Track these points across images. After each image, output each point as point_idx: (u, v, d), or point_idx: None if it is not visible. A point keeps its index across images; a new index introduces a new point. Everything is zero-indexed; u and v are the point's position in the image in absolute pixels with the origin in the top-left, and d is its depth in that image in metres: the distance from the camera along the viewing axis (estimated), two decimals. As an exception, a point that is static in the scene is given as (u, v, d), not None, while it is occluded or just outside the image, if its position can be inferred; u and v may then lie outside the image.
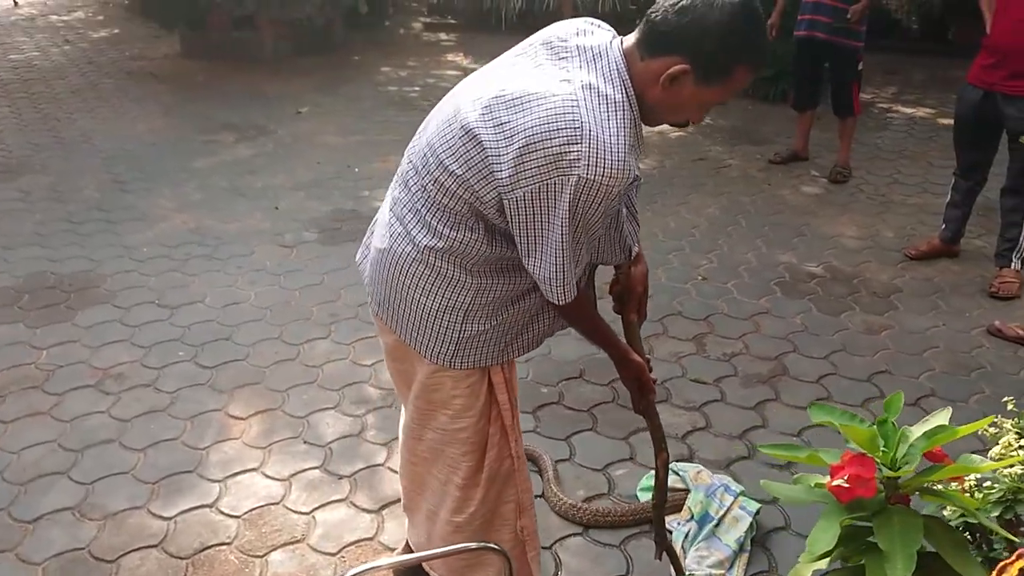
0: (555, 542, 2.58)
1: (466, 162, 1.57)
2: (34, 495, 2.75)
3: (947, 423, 1.23)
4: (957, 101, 4.30)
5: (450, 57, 9.46)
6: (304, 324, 3.82)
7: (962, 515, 1.22)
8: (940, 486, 1.16)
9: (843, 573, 1.25)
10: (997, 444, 1.41)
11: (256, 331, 3.75)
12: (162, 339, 3.67)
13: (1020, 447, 1.38)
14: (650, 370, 1.96)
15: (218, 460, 2.93)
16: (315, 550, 2.54)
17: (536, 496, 2.74)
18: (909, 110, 7.33)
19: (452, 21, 10.87)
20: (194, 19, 8.84)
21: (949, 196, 4.41)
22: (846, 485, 1.14)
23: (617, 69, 1.52)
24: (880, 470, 1.17)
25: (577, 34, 1.61)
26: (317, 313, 3.91)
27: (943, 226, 4.43)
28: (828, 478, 1.27)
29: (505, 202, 1.54)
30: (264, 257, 4.48)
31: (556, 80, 1.52)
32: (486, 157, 1.54)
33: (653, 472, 2.78)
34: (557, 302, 1.63)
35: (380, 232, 1.83)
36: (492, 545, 1.55)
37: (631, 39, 1.56)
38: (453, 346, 1.76)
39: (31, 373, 3.42)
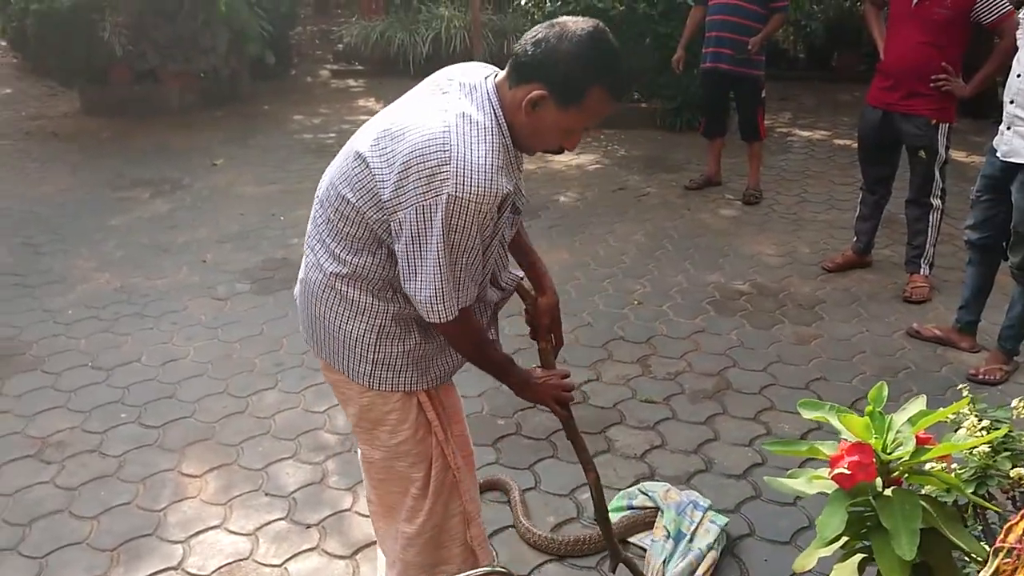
0: (532, 570, 2.60)
1: (358, 189, 1.70)
2: (-18, 575, 2.61)
3: (921, 408, 1.34)
4: (859, 121, 4.60)
5: (361, 102, 9.50)
6: (249, 376, 3.75)
7: (948, 492, 1.33)
8: (929, 466, 1.26)
9: (847, 557, 1.33)
10: (960, 428, 1.52)
11: (200, 386, 3.66)
12: (101, 402, 3.54)
13: (982, 428, 1.51)
14: (569, 386, 2.03)
15: (177, 521, 2.84)
16: (293, 602, 2.49)
17: (507, 527, 2.78)
18: (806, 133, 7.77)
19: (359, 67, 10.92)
20: (94, 74, 8.61)
21: (858, 210, 4.70)
22: (848, 472, 1.23)
23: (488, 99, 1.67)
24: (877, 456, 1.26)
25: (462, 73, 1.76)
26: (261, 364, 3.84)
27: (855, 239, 4.71)
28: (816, 472, 1.37)
29: (392, 224, 1.67)
30: (198, 311, 4.39)
31: (434, 111, 1.67)
32: (373, 182, 1.67)
33: (623, 491, 2.87)
34: (435, 320, 1.71)
35: (302, 265, 1.98)
36: (502, 569, 1.57)
37: (503, 73, 1.72)
38: (370, 367, 1.86)
39: (-38, 448, 3.24)
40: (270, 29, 9.11)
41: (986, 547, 1.26)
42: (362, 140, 1.75)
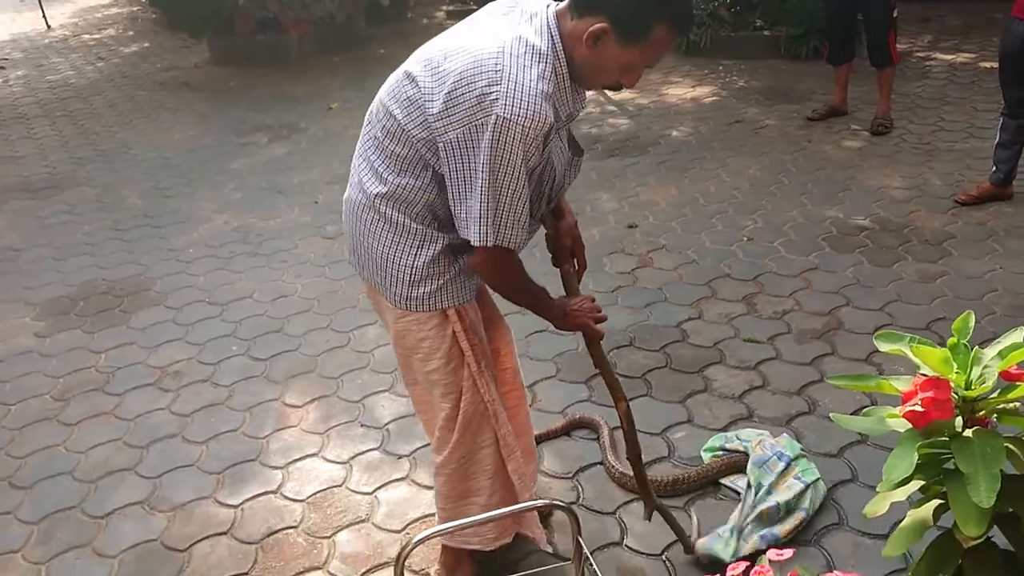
0: (618, 507, 2.57)
1: (406, 106, 1.67)
2: (104, 492, 2.81)
3: (1019, 340, 1.19)
4: (1003, 36, 4.16)
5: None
6: (352, 312, 3.84)
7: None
8: (1019, 405, 1.12)
9: (923, 502, 1.21)
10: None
11: (306, 322, 3.79)
12: (215, 336, 3.72)
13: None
14: (598, 317, 2.00)
15: (279, 448, 2.97)
16: (380, 528, 2.56)
17: (596, 463, 2.74)
18: (948, 56, 7.12)
19: (475, 7, 10.82)
20: (221, 26, 8.93)
21: (997, 137, 4.28)
22: (921, 409, 1.11)
23: (548, 26, 1.62)
24: (955, 392, 1.13)
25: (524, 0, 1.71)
26: (363, 301, 3.92)
27: (993, 168, 4.30)
28: (892, 410, 1.24)
29: (440, 147, 1.62)
30: (308, 250, 4.52)
31: (490, 33, 1.63)
32: (421, 98, 1.64)
33: (719, 434, 2.76)
34: (477, 242, 1.66)
35: (348, 184, 1.95)
36: (561, 503, 1.54)
37: (564, 3, 1.65)
38: (405, 289, 1.83)
39: (92, 376, 3.49)
40: (385, -29, 9.14)
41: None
42: (414, 61, 1.74)
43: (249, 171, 5.82)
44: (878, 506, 1.22)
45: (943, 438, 1.14)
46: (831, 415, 1.34)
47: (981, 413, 1.14)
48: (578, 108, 1.77)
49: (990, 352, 1.17)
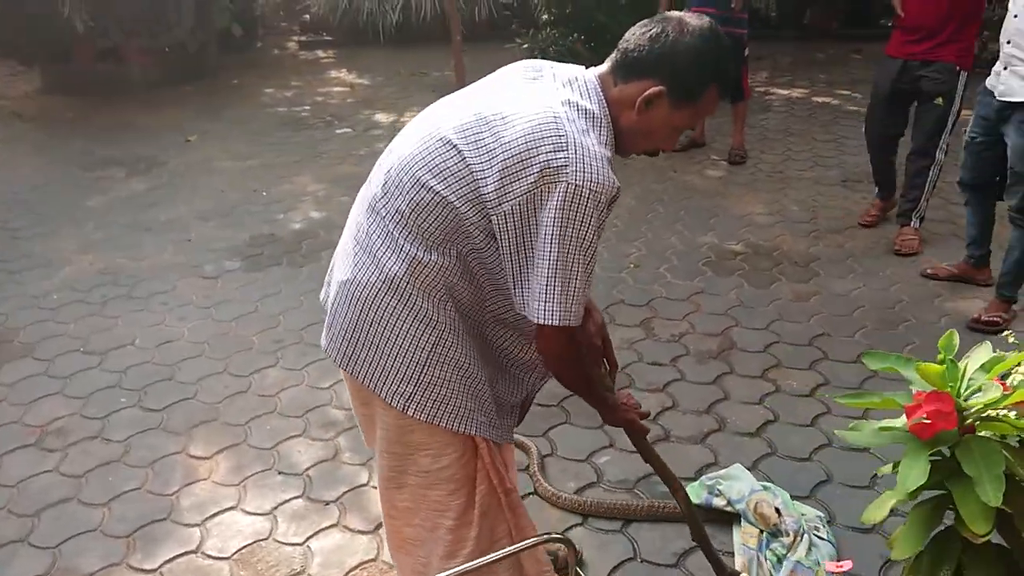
0: (565, 530, 2.59)
1: (448, 179, 1.53)
2: (-5, 568, 2.54)
3: (990, 355, 1.33)
4: (876, 71, 4.60)
5: (333, 74, 9.32)
6: (248, 354, 3.68)
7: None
8: (1002, 413, 1.25)
9: (929, 504, 1.32)
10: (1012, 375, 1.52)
11: (199, 367, 3.59)
12: (98, 387, 3.46)
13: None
14: (641, 413, 1.96)
15: (191, 504, 2.79)
16: (319, 579, 2.46)
17: (529, 493, 2.76)
18: (784, 91, 7.76)
19: (328, 38, 10.71)
20: (56, 53, 8.34)
21: (873, 169, 4.73)
22: (928, 421, 1.22)
23: (594, 89, 1.56)
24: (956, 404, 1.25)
25: (551, 67, 1.65)
26: (259, 342, 3.77)
27: (877, 189, 4.76)
28: (888, 421, 1.36)
29: (493, 220, 1.51)
30: (188, 291, 4.29)
31: (536, 99, 1.54)
32: (470, 173, 1.51)
33: (701, 482, 2.70)
34: (542, 319, 1.52)
35: (342, 264, 1.73)
36: (557, 535, 1.55)
37: (603, 68, 1.61)
38: (413, 387, 1.65)
39: (-42, 440, 3.15)
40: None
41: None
42: (447, 126, 1.57)
43: (108, 208, 5.46)
44: (878, 512, 1.33)
45: (946, 447, 1.25)
46: (836, 431, 1.44)
47: (968, 421, 1.27)
48: None
49: (971, 365, 1.31)
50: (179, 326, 3.94)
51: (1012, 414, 1.26)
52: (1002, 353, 1.53)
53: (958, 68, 4.18)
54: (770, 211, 5.03)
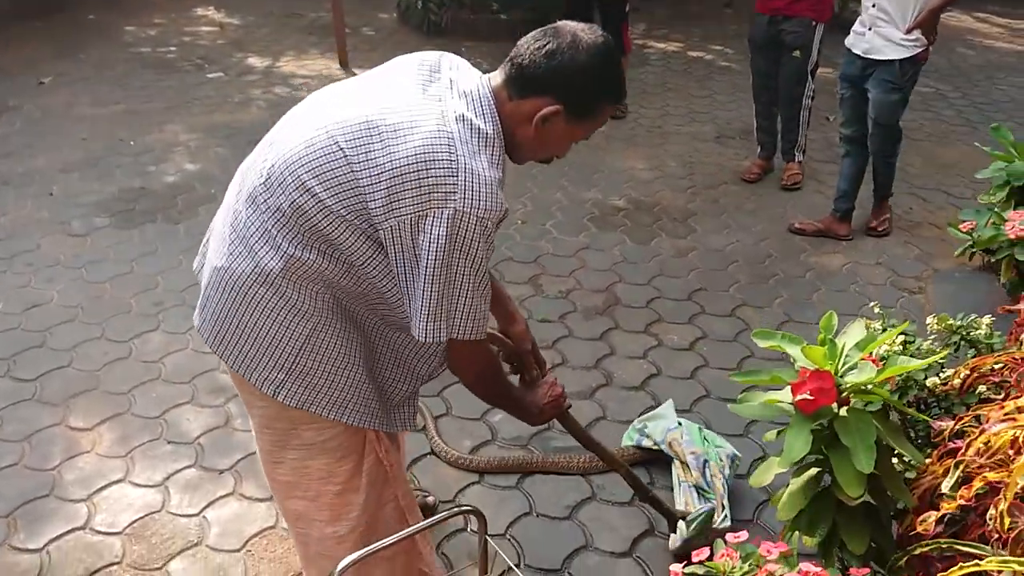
0: (456, 495, 2.67)
1: (333, 186, 1.49)
2: None
3: (864, 333, 1.47)
4: (751, 27, 4.87)
5: (199, 11, 8.83)
6: (127, 318, 3.54)
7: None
8: (870, 386, 1.40)
9: (808, 469, 1.46)
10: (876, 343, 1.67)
11: (73, 332, 3.43)
12: (-39, 357, 3.25)
13: (900, 343, 1.66)
14: (560, 393, 2.01)
15: (75, 478, 2.70)
16: (217, 550, 2.45)
17: (425, 455, 2.82)
18: (661, 45, 7.94)
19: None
20: None
21: (755, 123, 5.03)
22: (811, 398, 1.34)
23: (488, 106, 1.55)
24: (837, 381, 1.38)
25: (450, 68, 1.61)
26: (138, 304, 3.63)
27: (760, 149, 5.05)
28: (773, 394, 1.48)
29: (381, 233, 1.50)
30: (54, 250, 4.05)
31: (428, 110, 1.51)
32: (357, 185, 1.48)
33: (633, 426, 2.86)
34: (422, 336, 1.54)
35: (216, 247, 1.68)
36: (467, 507, 1.61)
37: (497, 79, 1.58)
38: (284, 374, 1.63)
39: None
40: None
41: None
42: (335, 128, 1.51)
43: (-45, 158, 5.04)
44: (765, 476, 1.46)
45: (825, 420, 1.39)
46: (729, 406, 1.56)
47: (844, 394, 1.41)
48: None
49: (847, 342, 1.44)
50: (47, 288, 3.73)
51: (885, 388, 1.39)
52: (872, 329, 1.68)
53: (814, 22, 4.52)
54: (650, 166, 5.19)
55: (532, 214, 4.54)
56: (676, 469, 2.64)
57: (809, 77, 4.65)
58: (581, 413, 3.01)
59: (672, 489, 2.61)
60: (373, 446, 1.80)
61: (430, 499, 2.58)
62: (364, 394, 1.70)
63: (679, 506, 2.51)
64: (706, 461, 2.59)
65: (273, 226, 1.55)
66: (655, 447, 2.74)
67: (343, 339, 1.63)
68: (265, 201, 1.55)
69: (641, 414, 3.02)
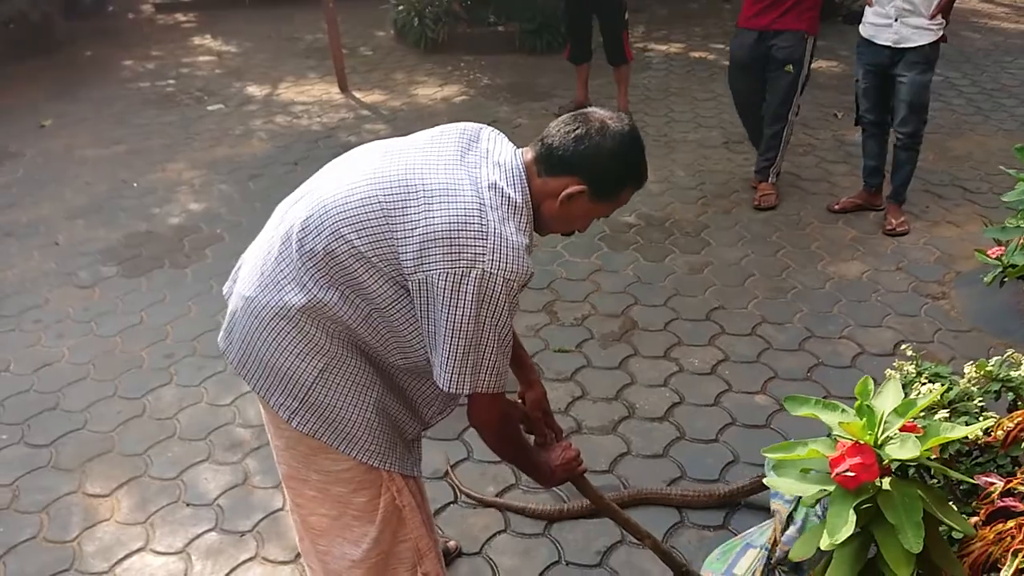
0: (483, 546, 2.61)
1: (368, 237, 1.59)
2: None
3: (900, 392, 1.40)
4: (732, 43, 4.75)
5: (196, 40, 8.80)
6: (139, 373, 3.49)
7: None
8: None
9: (852, 544, 1.39)
10: (913, 393, 1.60)
11: (85, 392, 3.38)
12: (-27, 425, 3.21)
13: (938, 393, 1.59)
14: (575, 456, 2.04)
15: (95, 549, 2.65)
16: (243, 620, 2.40)
17: (448, 503, 2.76)
18: (662, 47, 7.85)
19: (186, 0, 10.06)
20: None
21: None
22: (852, 474, 1.27)
23: (520, 178, 1.65)
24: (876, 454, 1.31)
25: (488, 139, 1.73)
26: (149, 358, 3.58)
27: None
28: (809, 464, 1.41)
29: (408, 282, 1.59)
30: (63, 304, 4.01)
31: (464, 177, 1.61)
32: (392, 236, 1.58)
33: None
34: (452, 389, 1.62)
35: (246, 277, 1.79)
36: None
37: (528, 155, 1.69)
38: (298, 403, 1.72)
39: None
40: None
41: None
42: (376, 178, 1.63)
43: (-42, 211, 5.02)
44: (805, 550, 1.39)
45: (868, 495, 1.32)
46: (765, 480, 1.49)
47: (886, 463, 1.34)
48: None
49: (884, 406, 1.37)
50: (58, 345, 3.69)
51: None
52: (906, 373, 1.61)
53: (806, 35, 4.42)
54: (659, 178, 5.11)
55: (544, 237, 4.46)
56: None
57: (799, 91, 4.53)
58: (604, 449, 2.96)
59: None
60: (387, 484, 1.85)
61: (451, 544, 2.59)
62: (375, 432, 1.76)
63: None
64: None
65: (303, 266, 1.65)
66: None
67: (355, 378, 1.71)
68: (300, 242, 1.66)
69: (666, 447, 2.95)
